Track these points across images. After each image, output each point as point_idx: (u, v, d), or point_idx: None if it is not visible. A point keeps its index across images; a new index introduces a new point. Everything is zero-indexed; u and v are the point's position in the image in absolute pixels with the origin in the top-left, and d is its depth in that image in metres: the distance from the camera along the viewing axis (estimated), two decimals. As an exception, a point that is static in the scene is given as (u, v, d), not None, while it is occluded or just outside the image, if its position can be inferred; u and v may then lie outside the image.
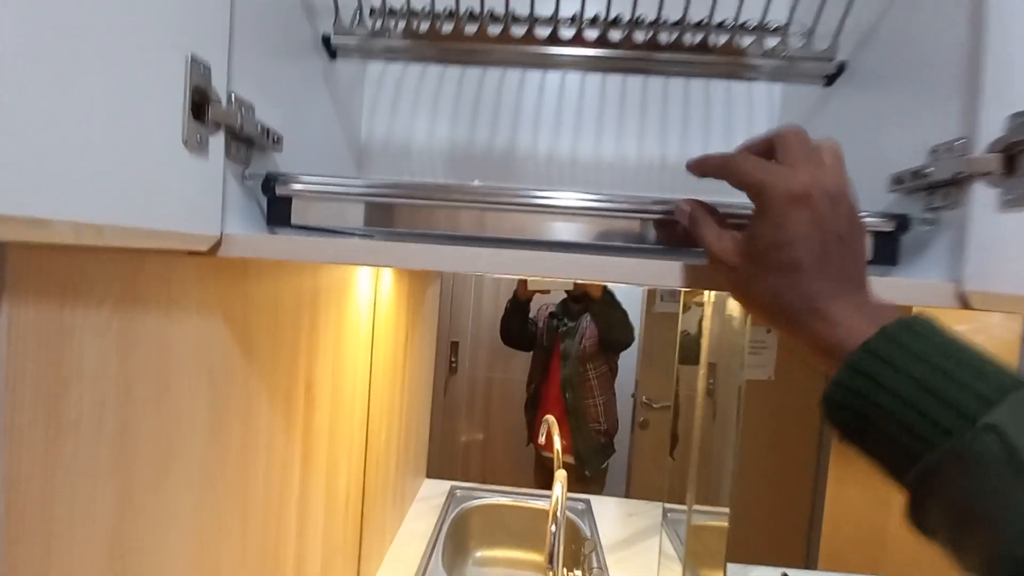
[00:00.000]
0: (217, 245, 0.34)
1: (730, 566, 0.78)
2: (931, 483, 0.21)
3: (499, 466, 2.42)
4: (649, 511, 1.30)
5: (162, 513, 0.34)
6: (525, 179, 0.51)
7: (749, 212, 0.29)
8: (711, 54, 0.44)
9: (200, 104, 0.31)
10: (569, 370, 1.75)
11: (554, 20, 0.44)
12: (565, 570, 0.73)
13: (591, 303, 1.72)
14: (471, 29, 0.46)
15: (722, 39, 0.46)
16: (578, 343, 1.75)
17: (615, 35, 0.44)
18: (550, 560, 0.61)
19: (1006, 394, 0.20)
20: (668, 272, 0.32)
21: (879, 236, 0.34)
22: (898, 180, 0.37)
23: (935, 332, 0.23)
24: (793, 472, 1.56)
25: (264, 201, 0.38)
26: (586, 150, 0.54)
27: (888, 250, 0.34)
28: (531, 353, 1.91)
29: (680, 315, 1.06)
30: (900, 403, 0.22)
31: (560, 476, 0.71)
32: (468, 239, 0.35)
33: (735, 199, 0.31)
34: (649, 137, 0.53)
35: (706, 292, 0.82)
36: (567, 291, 1.79)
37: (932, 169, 0.34)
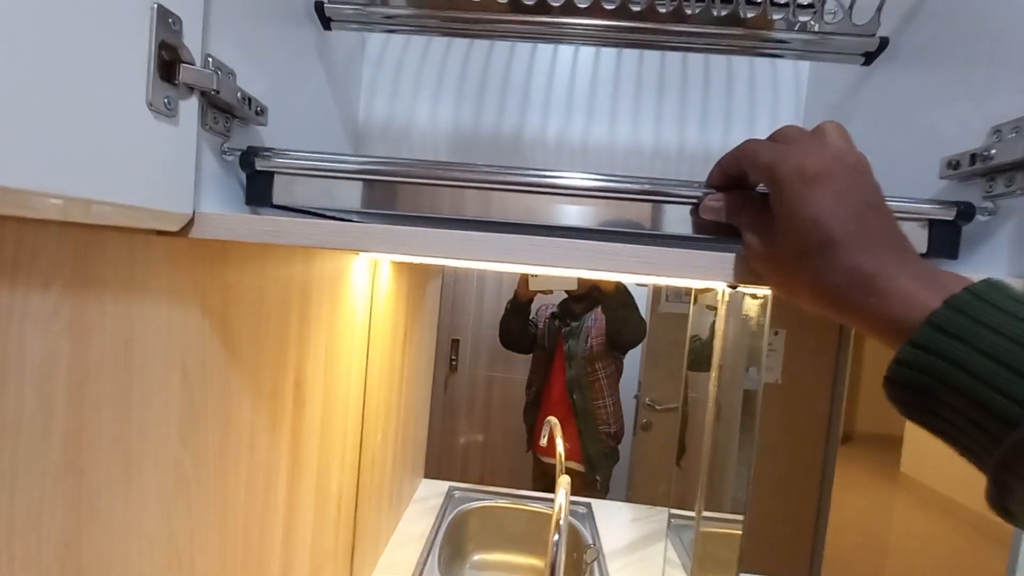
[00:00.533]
0: (189, 225, 0.30)
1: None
2: (1015, 465, 0.20)
3: (499, 466, 2.39)
4: (652, 516, 1.27)
5: (126, 523, 0.31)
6: (534, 164, 0.47)
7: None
8: (738, 26, 0.41)
9: (170, 63, 0.27)
10: (576, 371, 1.69)
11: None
12: (567, 580, 0.69)
13: (604, 298, 1.65)
14: (478, -1, 0.42)
15: (751, 13, 0.42)
16: (584, 343, 1.70)
17: (636, 5, 0.40)
18: (552, 572, 0.58)
19: None
20: (718, 264, 0.29)
21: (938, 225, 0.30)
22: (953, 164, 0.33)
23: (1008, 299, 0.21)
24: (798, 478, 1.52)
25: (245, 178, 0.34)
26: (599, 134, 0.50)
27: (948, 241, 0.30)
28: (530, 356, 1.85)
29: (690, 319, 1.02)
30: (976, 382, 0.20)
31: (563, 482, 0.67)
32: (477, 223, 0.31)
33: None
34: (667, 121, 0.49)
35: (720, 292, 0.78)
36: (567, 291, 1.73)
37: (994, 151, 0.30)
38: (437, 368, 1.89)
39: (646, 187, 0.30)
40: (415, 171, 0.32)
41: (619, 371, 1.76)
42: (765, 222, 0.27)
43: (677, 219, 0.30)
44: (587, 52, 0.49)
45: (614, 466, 1.78)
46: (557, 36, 0.41)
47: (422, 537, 1.05)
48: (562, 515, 0.61)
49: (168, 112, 0.27)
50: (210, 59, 0.30)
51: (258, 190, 0.32)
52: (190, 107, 0.29)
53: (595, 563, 0.93)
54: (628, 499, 1.77)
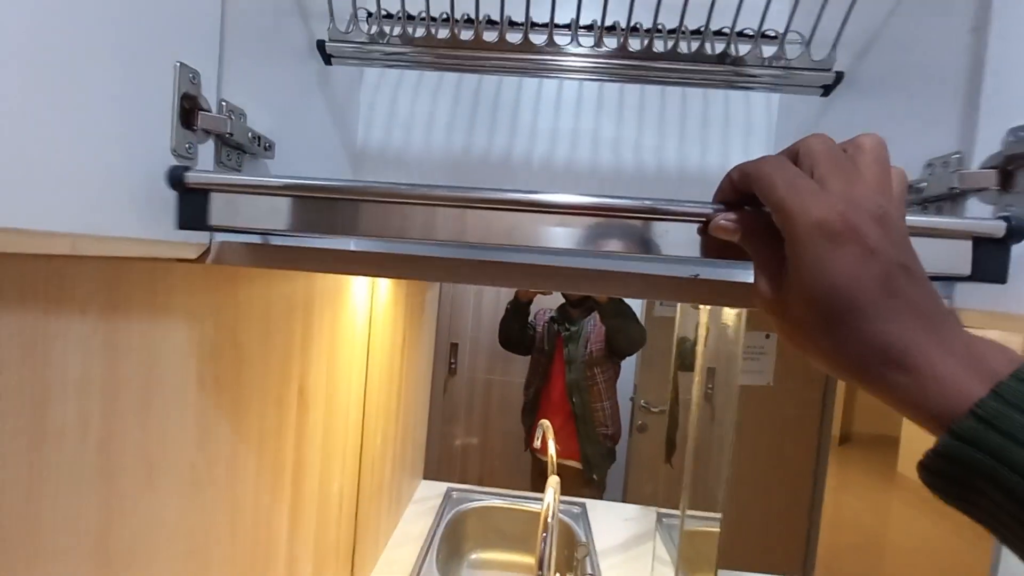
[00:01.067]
0: (205, 253, 0.34)
1: (723, 572, 0.78)
2: None
3: (497, 468, 2.42)
4: (645, 516, 1.30)
5: (149, 520, 0.34)
6: (521, 187, 0.51)
7: None
8: (708, 63, 0.44)
9: (189, 111, 0.31)
10: (576, 374, 1.74)
11: (550, 26, 0.44)
12: (557, 575, 0.73)
13: (599, 307, 1.69)
14: (468, 35, 0.45)
15: (719, 47, 0.45)
16: (584, 347, 1.74)
17: (611, 42, 0.43)
18: (540, 566, 0.61)
19: None
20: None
21: (983, 244, 0.26)
22: (893, 194, 0.36)
23: None
24: (791, 479, 1.55)
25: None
26: (583, 159, 0.53)
27: (996, 263, 0.26)
28: (528, 357, 1.90)
29: (677, 320, 1.05)
30: None
31: (552, 482, 0.71)
32: (454, 246, 0.32)
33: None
34: (646, 148, 0.53)
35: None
36: (565, 296, 1.78)
37: (925, 184, 0.34)
38: (436, 372, 1.93)
39: (647, 204, 0.28)
40: (378, 190, 0.29)
41: (617, 374, 1.81)
42: (778, 261, 0.24)
43: (683, 240, 0.28)
44: (571, 83, 0.53)
45: (611, 466, 1.82)
46: (540, 71, 0.44)
47: (421, 536, 1.08)
48: (551, 513, 0.64)
49: (188, 156, 0.31)
50: (224, 103, 0.34)
51: (192, 211, 0.29)
52: (207, 149, 0.33)
53: (587, 560, 0.97)
54: (624, 499, 1.81)
